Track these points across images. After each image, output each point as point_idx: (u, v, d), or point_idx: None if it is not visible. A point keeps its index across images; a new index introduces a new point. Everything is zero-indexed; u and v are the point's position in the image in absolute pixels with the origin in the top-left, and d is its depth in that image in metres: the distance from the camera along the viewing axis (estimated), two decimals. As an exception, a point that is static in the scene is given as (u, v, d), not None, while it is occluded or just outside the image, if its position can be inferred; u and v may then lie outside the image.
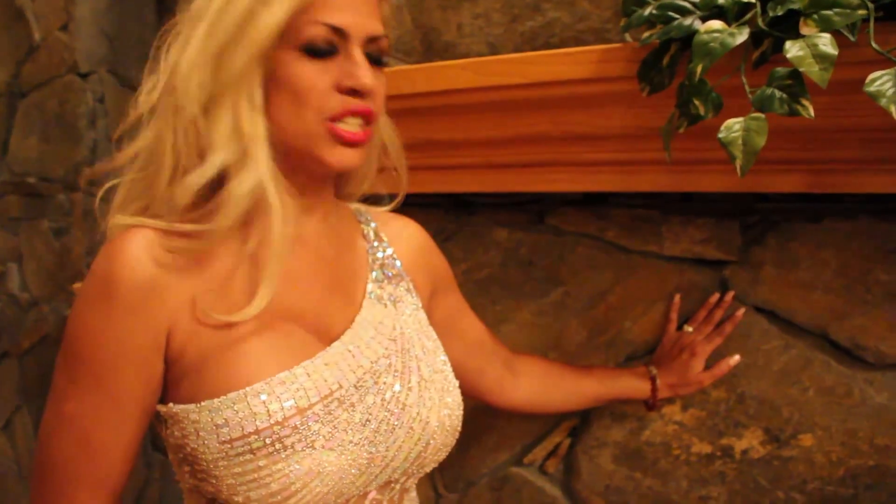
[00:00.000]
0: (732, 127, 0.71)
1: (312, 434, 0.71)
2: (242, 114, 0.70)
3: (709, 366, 1.04)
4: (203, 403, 0.70)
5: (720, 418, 1.06)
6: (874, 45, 0.69)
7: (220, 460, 0.70)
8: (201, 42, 0.70)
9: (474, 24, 1.16)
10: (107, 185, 0.78)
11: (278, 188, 0.72)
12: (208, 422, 0.70)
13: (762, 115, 0.70)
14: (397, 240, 0.91)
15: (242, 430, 0.69)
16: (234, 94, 0.70)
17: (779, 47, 0.72)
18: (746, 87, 0.73)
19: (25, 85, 2.08)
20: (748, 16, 0.74)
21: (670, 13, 0.79)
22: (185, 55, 0.71)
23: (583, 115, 0.95)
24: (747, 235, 1.03)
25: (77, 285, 0.75)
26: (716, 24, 0.74)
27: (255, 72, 0.70)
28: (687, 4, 0.78)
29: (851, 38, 0.70)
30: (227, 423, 0.69)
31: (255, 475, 0.70)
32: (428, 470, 0.83)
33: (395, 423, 0.77)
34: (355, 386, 0.75)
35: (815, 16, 0.70)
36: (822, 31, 0.69)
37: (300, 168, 0.75)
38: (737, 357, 1.03)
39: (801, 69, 0.68)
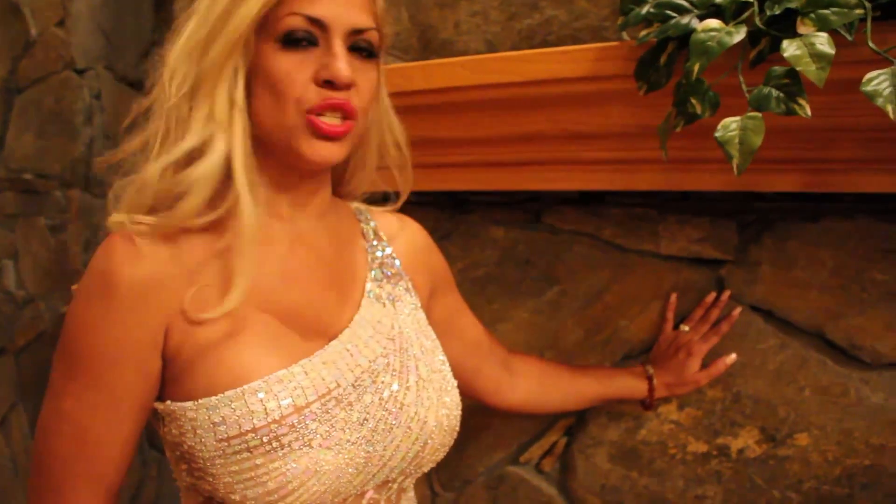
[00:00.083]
0: (729, 126, 0.71)
1: (310, 433, 0.71)
2: (217, 101, 0.71)
3: (705, 365, 1.04)
4: (200, 401, 0.70)
5: (716, 417, 1.06)
6: (871, 44, 0.69)
7: (216, 458, 0.70)
8: (190, 34, 0.72)
9: (472, 21, 1.16)
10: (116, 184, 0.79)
11: (248, 175, 0.72)
12: (205, 419, 0.70)
13: (759, 115, 0.70)
14: (397, 239, 0.91)
15: (240, 427, 0.69)
16: (213, 82, 0.71)
17: (776, 46, 0.72)
18: (743, 86, 0.73)
19: (22, 81, 2.07)
20: (745, 14, 0.74)
21: (668, 11, 0.79)
22: (175, 47, 0.73)
23: (580, 114, 0.95)
24: (744, 235, 1.04)
25: (76, 286, 0.75)
26: (713, 22, 0.74)
27: (236, 61, 0.71)
28: (684, 3, 0.78)
29: (849, 38, 0.71)
30: (224, 421, 0.69)
31: (252, 473, 0.70)
32: (426, 470, 0.83)
33: (393, 422, 0.77)
34: (353, 385, 0.75)
35: (813, 15, 0.70)
36: (820, 30, 0.69)
37: (286, 165, 0.75)
38: (733, 356, 1.03)
39: (798, 68, 0.68)
